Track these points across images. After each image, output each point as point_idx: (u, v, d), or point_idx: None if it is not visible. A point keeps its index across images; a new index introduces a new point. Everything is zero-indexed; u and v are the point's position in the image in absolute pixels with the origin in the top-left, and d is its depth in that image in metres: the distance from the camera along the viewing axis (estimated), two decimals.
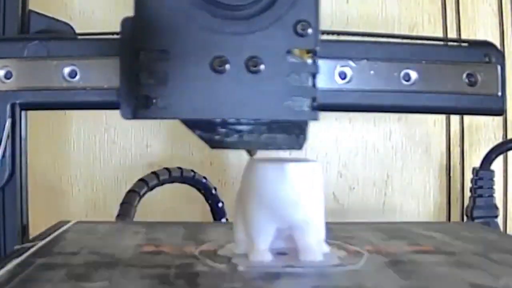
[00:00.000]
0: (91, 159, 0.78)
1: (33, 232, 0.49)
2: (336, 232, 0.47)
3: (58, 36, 0.46)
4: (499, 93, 0.44)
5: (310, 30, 0.34)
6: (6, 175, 0.44)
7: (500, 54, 0.45)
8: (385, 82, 0.43)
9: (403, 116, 0.79)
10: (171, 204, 0.76)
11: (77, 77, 0.42)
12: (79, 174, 0.78)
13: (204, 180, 0.71)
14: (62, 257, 0.40)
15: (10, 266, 0.36)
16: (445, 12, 0.77)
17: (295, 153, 0.43)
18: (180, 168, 0.70)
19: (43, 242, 0.44)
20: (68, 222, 0.53)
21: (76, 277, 0.34)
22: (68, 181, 0.78)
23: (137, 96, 0.35)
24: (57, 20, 0.51)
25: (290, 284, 0.34)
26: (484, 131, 0.79)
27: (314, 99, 0.35)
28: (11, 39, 0.46)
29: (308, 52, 0.34)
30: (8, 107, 0.43)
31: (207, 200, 0.72)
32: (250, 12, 0.34)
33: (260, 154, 0.41)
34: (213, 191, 0.72)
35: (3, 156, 0.43)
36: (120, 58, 0.36)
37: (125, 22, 0.35)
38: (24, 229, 0.49)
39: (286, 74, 0.34)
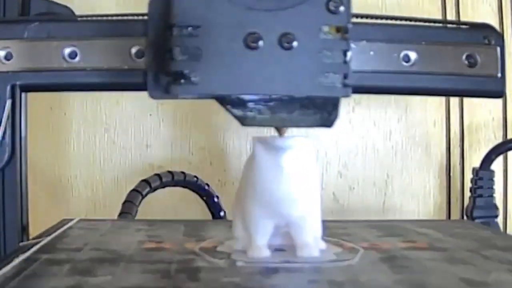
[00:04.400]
0: (91, 159, 0.78)
1: (33, 232, 0.49)
2: (333, 229, 0.47)
3: (58, 18, 0.46)
4: (499, 75, 0.44)
5: (342, 8, 0.34)
6: (6, 157, 0.44)
7: (500, 36, 0.44)
8: (384, 63, 0.43)
9: (403, 116, 0.79)
10: (172, 204, 0.76)
11: (77, 58, 0.43)
12: (79, 174, 0.78)
13: (206, 187, 0.71)
14: (66, 253, 0.40)
15: (16, 261, 0.37)
16: (445, 12, 0.78)
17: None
18: (183, 172, 0.70)
19: (48, 239, 0.44)
20: (71, 220, 0.53)
21: (80, 272, 0.34)
22: (68, 181, 0.78)
23: (168, 73, 0.35)
24: (57, 4, 0.51)
25: (287, 278, 0.34)
26: (484, 131, 0.79)
27: (345, 76, 0.35)
28: (11, 21, 0.46)
29: (340, 29, 0.35)
30: (8, 88, 0.43)
31: (209, 208, 0.71)
32: None
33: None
34: (215, 199, 0.71)
35: (3, 137, 0.43)
36: (148, 38, 0.36)
37: (153, 2, 0.36)
38: (24, 225, 0.48)
39: (319, 50, 0.35)
